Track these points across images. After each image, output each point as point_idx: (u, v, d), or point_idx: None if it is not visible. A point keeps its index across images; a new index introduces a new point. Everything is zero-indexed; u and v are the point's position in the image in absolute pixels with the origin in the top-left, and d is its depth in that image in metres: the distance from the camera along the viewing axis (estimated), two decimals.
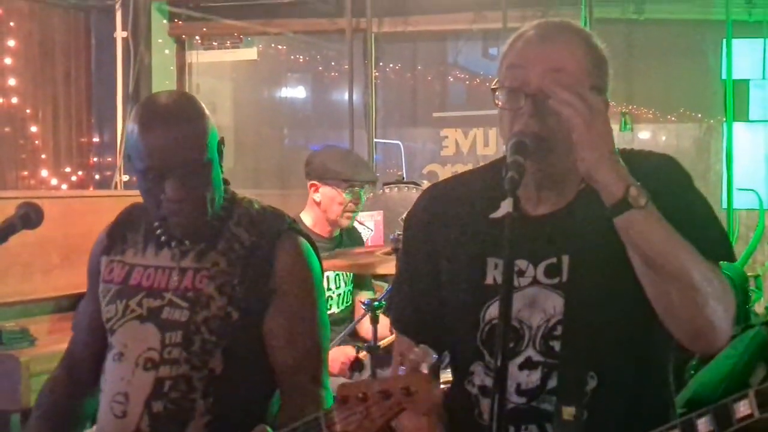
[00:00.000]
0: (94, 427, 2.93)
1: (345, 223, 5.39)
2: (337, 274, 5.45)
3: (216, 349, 2.75)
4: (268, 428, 2.58)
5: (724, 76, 6.49)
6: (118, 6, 7.16)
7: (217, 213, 2.81)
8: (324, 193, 5.30)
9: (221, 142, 2.79)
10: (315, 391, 2.79)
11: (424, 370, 2.40)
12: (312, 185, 5.34)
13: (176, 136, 2.70)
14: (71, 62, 7.16)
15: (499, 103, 2.34)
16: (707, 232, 2.27)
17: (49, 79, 6.90)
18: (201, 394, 2.74)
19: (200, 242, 2.80)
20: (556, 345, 2.33)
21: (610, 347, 2.34)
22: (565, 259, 2.34)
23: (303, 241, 2.88)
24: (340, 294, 5.45)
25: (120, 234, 2.89)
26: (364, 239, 5.91)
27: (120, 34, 7.19)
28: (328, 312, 5.25)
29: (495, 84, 2.35)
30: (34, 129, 6.65)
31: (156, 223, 2.82)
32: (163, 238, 2.84)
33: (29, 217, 2.79)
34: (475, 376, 2.42)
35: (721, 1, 6.45)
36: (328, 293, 5.32)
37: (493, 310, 2.35)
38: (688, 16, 6.83)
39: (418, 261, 2.56)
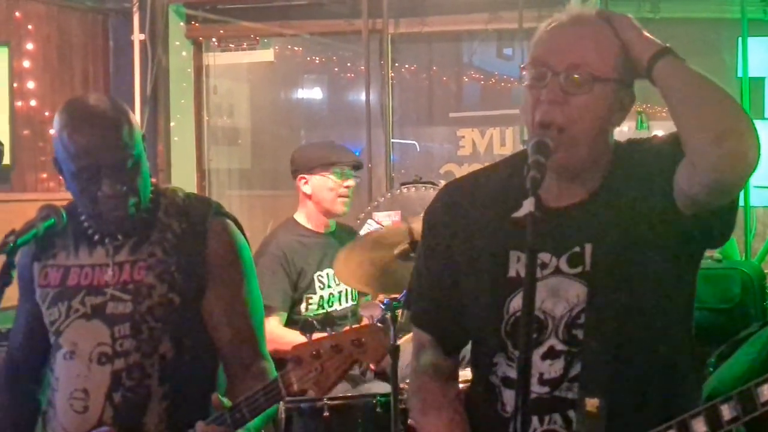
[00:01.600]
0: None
1: (340, 209, 5.50)
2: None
3: (164, 334, 2.86)
4: (223, 399, 2.67)
5: (740, 74, 6.47)
6: (135, 9, 7.17)
7: (146, 206, 2.91)
8: (313, 183, 5.42)
9: (143, 138, 2.89)
10: (257, 363, 2.89)
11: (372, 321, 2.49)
12: (301, 178, 5.47)
13: (105, 135, 2.80)
14: (89, 65, 7.18)
15: (526, 81, 2.35)
16: None
17: (68, 82, 6.92)
18: (157, 380, 2.85)
19: (132, 236, 2.91)
20: (580, 333, 2.34)
21: (633, 335, 2.34)
22: (588, 247, 2.36)
23: (230, 223, 3.01)
24: (341, 292, 5.51)
25: (46, 239, 2.92)
26: None
27: (137, 37, 7.20)
28: (329, 309, 5.32)
29: (524, 64, 2.37)
30: (52, 132, 6.67)
31: (86, 223, 2.94)
32: (96, 236, 2.94)
33: (50, 219, 2.83)
34: (498, 367, 2.44)
35: (736, 0, 6.44)
36: (329, 290, 5.39)
37: (516, 302, 2.36)
38: (703, 15, 6.83)
39: (438, 257, 2.57)
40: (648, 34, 2.33)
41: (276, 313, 5.11)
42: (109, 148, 2.79)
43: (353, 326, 2.60)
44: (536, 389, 2.37)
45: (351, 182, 5.40)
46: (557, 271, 2.38)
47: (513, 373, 2.38)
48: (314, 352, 2.52)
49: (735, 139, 2.20)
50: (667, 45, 2.30)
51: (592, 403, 2.29)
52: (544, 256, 2.38)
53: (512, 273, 2.37)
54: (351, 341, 2.52)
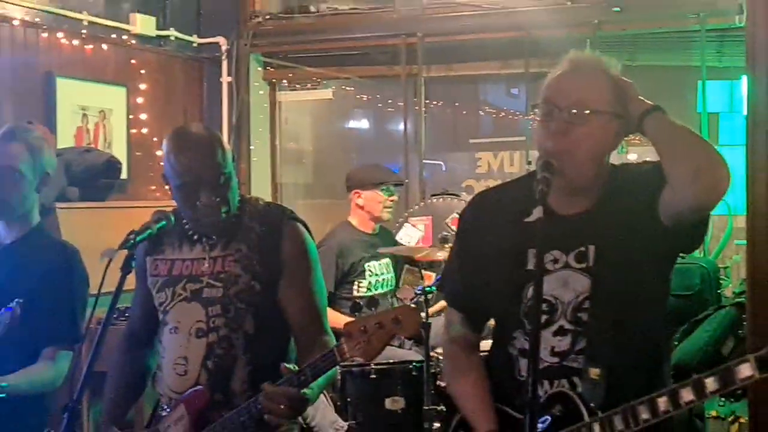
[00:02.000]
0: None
1: (386, 216, 5.62)
2: (382, 264, 5.54)
3: (247, 314, 2.88)
4: (290, 366, 2.68)
5: (699, 110, 6.44)
6: (224, 57, 7.21)
7: (234, 212, 2.91)
8: (366, 197, 5.50)
9: (233, 159, 2.90)
10: (322, 337, 2.88)
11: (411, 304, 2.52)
12: (355, 193, 5.53)
13: (203, 157, 2.82)
14: (188, 101, 7.22)
15: (537, 116, 2.37)
16: None
17: (171, 114, 6.96)
18: (241, 351, 2.87)
19: (224, 236, 2.92)
20: (584, 316, 2.35)
21: (627, 317, 2.35)
22: (591, 248, 2.37)
23: (300, 225, 3.00)
24: (385, 279, 5.53)
25: (157, 238, 2.93)
26: (417, 239, 6.00)
27: (225, 79, 7.24)
28: (375, 292, 5.35)
29: (536, 102, 2.41)
30: (158, 153, 6.69)
31: (187, 226, 2.96)
32: (195, 236, 2.96)
33: (162, 221, 2.85)
34: (516, 341, 2.45)
35: (697, 51, 6.41)
36: (376, 278, 5.43)
37: (532, 290, 2.34)
38: (671, 63, 6.81)
39: (468, 250, 2.60)
40: (642, 98, 2.35)
41: None
42: (206, 167, 2.81)
43: (393, 307, 2.63)
44: (548, 359, 2.38)
45: (395, 197, 5.52)
46: (566, 265, 2.39)
47: (528, 346, 2.37)
48: (362, 328, 2.54)
49: (709, 174, 2.21)
50: (657, 105, 2.32)
51: (594, 372, 2.30)
52: (555, 253, 2.40)
53: (530, 266, 2.36)
54: (391, 319, 2.53)
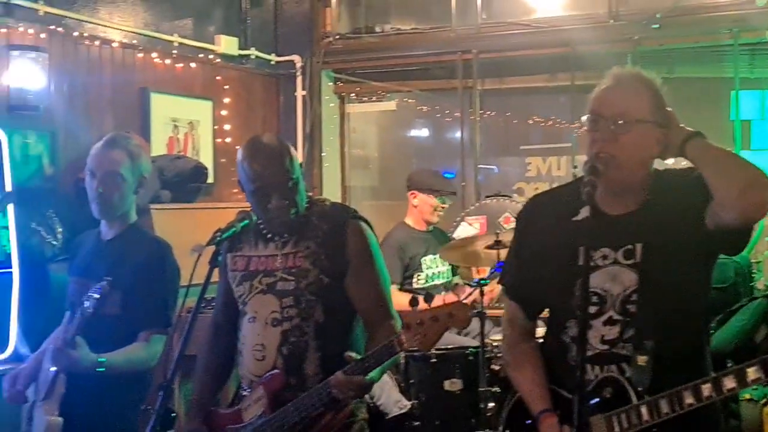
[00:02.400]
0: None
1: (435, 219, 5.64)
2: (437, 258, 5.57)
3: (317, 305, 2.87)
4: (353, 354, 2.70)
5: (732, 117, 6.33)
6: (299, 73, 7.25)
7: (303, 213, 2.91)
8: (420, 199, 5.53)
9: (301, 165, 2.91)
10: (388, 321, 2.86)
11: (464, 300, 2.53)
12: (412, 193, 5.57)
13: (273, 164, 2.83)
14: (266, 112, 7.27)
15: (585, 126, 2.37)
16: None
17: (252, 124, 7.01)
18: (312, 338, 2.86)
19: (294, 234, 2.92)
20: (632, 308, 2.32)
21: (673, 309, 2.32)
22: (639, 246, 2.35)
23: (362, 223, 2.98)
24: (440, 271, 5.60)
25: (236, 237, 2.94)
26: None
27: (300, 93, 7.27)
28: (431, 284, 5.36)
29: (583, 114, 2.40)
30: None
31: (262, 225, 2.96)
32: (269, 235, 2.97)
33: (245, 220, 2.87)
34: (569, 329, 2.47)
35: (731, 63, 6.29)
36: (431, 270, 5.45)
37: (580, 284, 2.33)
38: (707, 74, 6.68)
39: (524, 248, 2.62)
40: (683, 125, 2.33)
41: (393, 284, 5.20)
42: (275, 174, 2.84)
43: (447, 302, 2.65)
44: (598, 347, 2.37)
45: (446, 205, 5.53)
46: (615, 262, 2.37)
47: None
48: (419, 321, 2.57)
49: (753, 193, 2.19)
50: (697, 131, 2.30)
51: (641, 359, 2.28)
52: (605, 250, 2.39)
53: (580, 262, 2.33)
54: (445, 314, 2.56)
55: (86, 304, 3.21)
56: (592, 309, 2.36)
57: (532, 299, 2.59)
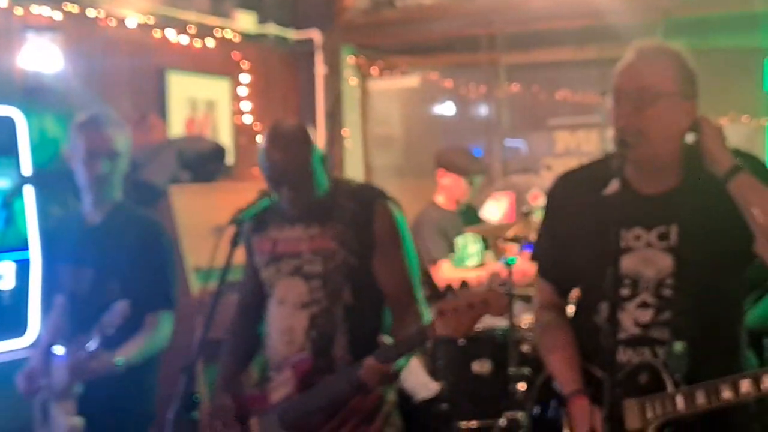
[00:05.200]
0: None
1: (464, 198, 5.51)
2: (468, 237, 5.44)
3: (345, 287, 2.87)
4: (386, 338, 2.75)
5: (766, 89, 6.26)
6: (318, 50, 7.22)
7: (327, 194, 2.90)
8: (450, 178, 5.49)
9: (322, 155, 2.89)
10: (414, 305, 2.88)
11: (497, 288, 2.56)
12: (441, 173, 5.49)
13: (289, 154, 2.81)
14: (286, 90, 7.24)
15: (609, 102, 2.34)
16: None
17: (271, 104, 6.99)
18: (341, 320, 2.86)
19: (320, 215, 2.91)
20: (666, 292, 2.30)
21: (709, 294, 2.31)
22: (674, 228, 2.32)
23: (390, 204, 2.97)
24: (472, 252, 5.54)
25: (261, 218, 2.96)
26: (500, 213, 5.95)
27: (320, 70, 7.25)
28: (463, 266, 5.35)
29: (608, 89, 2.36)
30: (259, 138, 6.74)
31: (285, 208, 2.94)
32: (295, 217, 2.97)
33: (265, 200, 2.88)
34: (601, 311, 2.44)
35: (764, 32, 6.20)
36: (464, 250, 5.42)
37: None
38: (740, 44, 6.62)
39: (555, 227, 2.61)
40: (725, 151, 2.25)
41: (444, 261, 5.23)
42: (290, 163, 2.83)
43: (482, 290, 2.64)
44: (632, 330, 2.36)
45: (475, 184, 5.47)
46: (648, 244, 2.35)
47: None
48: (453, 308, 2.55)
49: None
50: (738, 163, 2.23)
51: (678, 345, 2.27)
52: (637, 230, 2.36)
53: (612, 242, 2.31)
54: (480, 300, 2.54)
55: (104, 322, 3.19)
56: (626, 292, 2.35)
57: (564, 279, 2.59)
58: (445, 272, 5.13)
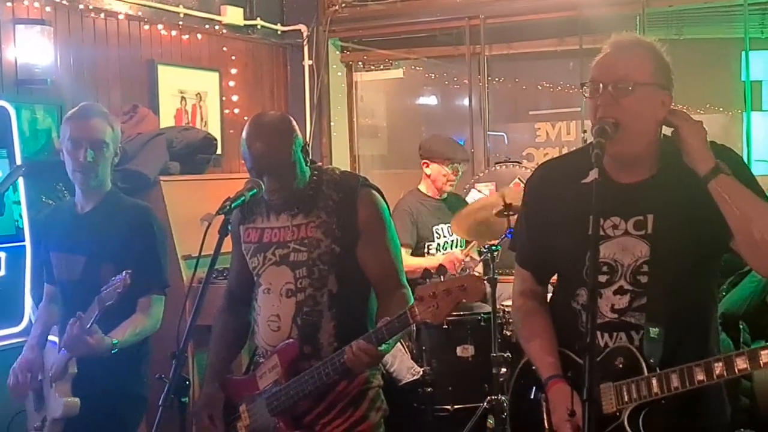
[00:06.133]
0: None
1: (448, 188, 5.54)
2: (450, 227, 5.48)
3: (330, 275, 2.87)
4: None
5: (743, 78, 6.28)
6: (305, 43, 7.21)
7: (310, 184, 2.90)
8: (433, 168, 5.48)
9: (305, 146, 2.89)
10: (400, 290, 2.88)
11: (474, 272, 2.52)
12: (424, 162, 5.48)
13: (269, 147, 2.81)
14: (274, 83, 7.23)
15: (586, 94, 2.33)
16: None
17: (259, 95, 7.00)
18: (326, 308, 2.87)
19: (305, 204, 2.90)
20: (642, 278, 2.32)
21: (683, 281, 2.32)
22: (650, 217, 2.33)
23: (373, 191, 2.97)
24: (453, 240, 5.54)
25: (248, 208, 2.97)
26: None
27: (307, 62, 7.23)
28: (444, 252, 5.33)
29: (585, 81, 2.39)
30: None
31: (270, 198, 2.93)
32: (279, 207, 2.97)
33: (253, 189, 2.85)
34: (579, 297, 2.45)
35: (740, 23, 6.21)
36: (444, 239, 5.41)
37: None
38: (716, 35, 6.63)
39: (534, 215, 2.60)
40: (706, 150, 2.26)
41: (405, 247, 5.15)
42: (270, 155, 2.83)
43: (460, 275, 2.63)
44: (608, 315, 2.37)
45: (459, 173, 5.47)
46: (625, 232, 2.36)
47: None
48: (431, 294, 2.54)
49: None
50: (718, 163, 2.23)
51: (654, 331, 2.28)
52: (615, 219, 2.37)
53: (591, 231, 2.32)
54: (458, 286, 2.53)
55: (104, 293, 3.14)
56: (603, 278, 2.36)
57: (544, 266, 2.59)
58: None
